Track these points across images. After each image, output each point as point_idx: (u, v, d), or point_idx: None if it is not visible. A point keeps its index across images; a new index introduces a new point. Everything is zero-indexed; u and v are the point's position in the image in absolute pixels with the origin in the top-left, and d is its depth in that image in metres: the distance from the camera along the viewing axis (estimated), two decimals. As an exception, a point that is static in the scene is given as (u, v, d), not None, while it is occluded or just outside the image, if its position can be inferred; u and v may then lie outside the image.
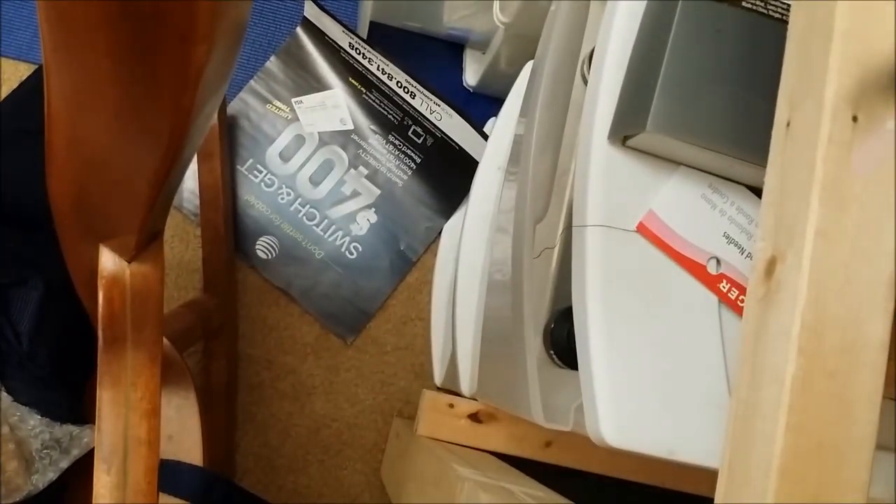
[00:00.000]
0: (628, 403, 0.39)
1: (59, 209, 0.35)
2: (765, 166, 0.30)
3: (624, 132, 0.40)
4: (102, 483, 0.36)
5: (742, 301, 0.41)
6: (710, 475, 0.31)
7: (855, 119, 0.27)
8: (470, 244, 0.72)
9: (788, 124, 0.29)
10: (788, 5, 0.39)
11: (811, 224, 0.27)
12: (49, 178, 0.33)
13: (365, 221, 0.88)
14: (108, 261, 0.35)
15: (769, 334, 0.28)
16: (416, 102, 0.88)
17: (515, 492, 0.53)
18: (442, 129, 0.89)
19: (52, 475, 0.46)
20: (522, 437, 0.71)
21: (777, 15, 0.39)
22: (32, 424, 0.46)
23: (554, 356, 0.48)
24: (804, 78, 0.29)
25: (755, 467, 0.27)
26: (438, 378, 0.81)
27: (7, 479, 0.44)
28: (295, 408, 0.86)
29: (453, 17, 0.84)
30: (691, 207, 0.41)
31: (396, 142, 0.89)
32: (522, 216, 0.53)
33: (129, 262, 0.35)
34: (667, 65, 0.38)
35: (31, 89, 0.53)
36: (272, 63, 0.89)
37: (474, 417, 0.72)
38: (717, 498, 0.29)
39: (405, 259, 0.89)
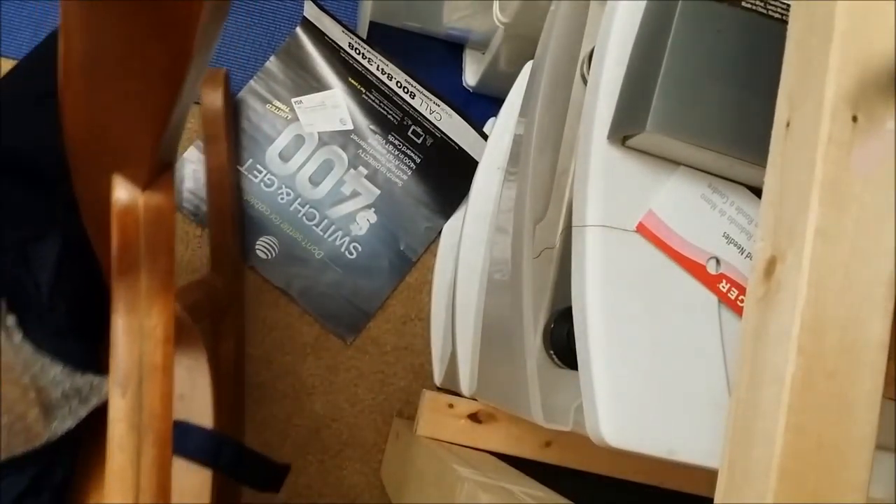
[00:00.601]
0: (628, 403, 0.39)
1: (73, 141, 0.36)
2: (765, 166, 0.30)
3: (624, 132, 0.40)
4: (118, 407, 0.36)
5: (742, 301, 0.41)
6: (710, 475, 0.31)
7: (855, 119, 0.27)
8: (470, 244, 0.72)
9: (788, 124, 0.29)
10: (788, 5, 0.39)
11: (811, 224, 0.27)
12: (63, 108, 0.34)
13: (365, 221, 0.88)
14: (122, 189, 0.35)
15: (769, 334, 0.28)
16: (415, 102, 0.88)
17: (515, 492, 0.53)
18: (442, 129, 0.89)
19: (70, 423, 0.47)
20: (522, 437, 0.71)
21: (777, 15, 0.39)
22: (53, 374, 0.47)
23: (554, 356, 0.48)
24: (804, 78, 0.29)
25: (755, 467, 0.27)
26: (438, 378, 0.81)
27: (27, 427, 0.45)
28: (295, 408, 0.86)
29: (453, 17, 0.84)
30: (691, 207, 0.41)
31: (396, 142, 0.89)
32: (522, 216, 0.53)
33: (143, 191, 0.36)
34: (666, 65, 0.38)
35: (45, 53, 0.53)
36: (272, 63, 0.89)
37: (474, 417, 0.72)
38: (717, 498, 0.29)
39: (405, 259, 0.89)
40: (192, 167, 0.86)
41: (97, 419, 0.47)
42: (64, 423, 0.47)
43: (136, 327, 0.37)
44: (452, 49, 0.92)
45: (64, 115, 0.34)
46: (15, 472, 0.45)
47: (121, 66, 0.29)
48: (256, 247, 0.86)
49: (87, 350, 0.49)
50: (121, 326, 0.37)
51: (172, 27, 0.27)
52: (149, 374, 0.37)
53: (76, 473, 0.49)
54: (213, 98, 0.84)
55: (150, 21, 0.27)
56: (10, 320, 0.44)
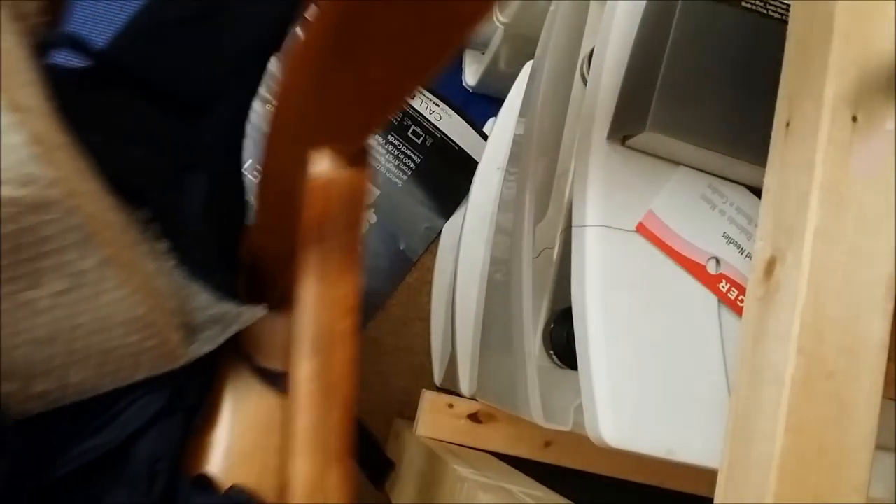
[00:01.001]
0: (628, 403, 0.39)
1: (287, 109, 0.37)
2: (764, 166, 0.30)
3: (623, 132, 0.40)
4: (305, 370, 0.37)
5: (742, 301, 0.41)
6: (710, 475, 0.31)
7: (854, 119, 0.27)
8: (470, 244, 0.72)
9: (788, 125, 0.29)
10: (788, 5, 0.39)
11: (810, 224, 0.27)
12: (289, 76, 0.35)
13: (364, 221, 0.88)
14: (327, 162, 0.36)
15: (769, 334, 0.28)
16: (415, 102, 0.88)
17: (515, 492, 0.53)
18: (441, 129, 0.89)
19: (208, 348, 0.48)
20: (522, 437, 0.71)
21: (777, 15, 0.40)
22: (200, 300, 0.48)
23: (553, 356, 0.48)
24: (804, 78, 0.29)
25: (755, 467, 0.27)
26: (438, 378, 0.81)
27: (170, 350, 0.45)
28: (294, 408, 0.86)
29: (453, 17, 0.84)
30: (691, 207, 0.41)
31: (396, 142, 0.89)
32: (522, 216, 0.53)
33: (346, 167, 0.37)
34: (666, 65, 0.38)
35: None
36: (271, 64, 0.89)
37: (474, 417, 0.72)
38: (717, 498, 0.29)
39: (405, 259, 0.89)
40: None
41: (224, 352, 0.50)
42: (202, 347, 0.48)
43: (325, 295, 0.38)
44: (452, 49, 0.92)
45: (286, 82, 0.35)
46: (154, 391, 0.46)
47: (380, 51, 0.29)
48: (256, 247, 0.87)
49: (230, 279, 0.50)
50: (312, 293, 0.38)
51: (455, 23, 0.26)
52: (336, 340, 0.38)
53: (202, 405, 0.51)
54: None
55: (435, 14, 0.26)
56: (163, 246, 0.45)
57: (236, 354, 0.54)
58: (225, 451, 0.50)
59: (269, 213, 0.47)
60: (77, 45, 0.38)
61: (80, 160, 0.36)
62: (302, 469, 0.36)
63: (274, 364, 0.54)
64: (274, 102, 0.38)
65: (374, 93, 0.31)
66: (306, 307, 0.38)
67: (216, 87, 0.50)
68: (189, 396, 0.49)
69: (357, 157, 0.37)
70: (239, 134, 0.51)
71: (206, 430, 0.50)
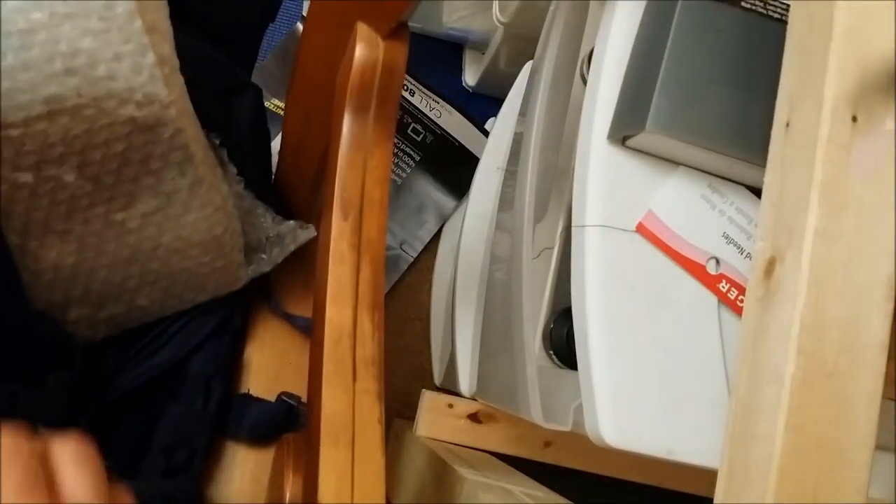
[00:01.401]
0: (628, 403, 0.39)
1: None
2: (764, 166, 0.30)
3: (623, 132, 0.40)
4: (340, 227, 0.39)
5: (741, 301, 0.41)
6: (710, 475, 0.31)
7: (854, 119, 0.27)
8: (469, 244, 0.72)
9: (788, 124, 0.29)
10: (788, 5, 0.39)
11: (810, 224, 0.27)
12: None
13: (364, 221, 0.88)
14: (366, 36, 0.38)
15: (768, 334, 0.28)
16: (415, 100, 0.88)
17: (515, 492, 0.53)
18: (441, 125, 0.89)
19: (266, 268, 0.49)
20: (522, 437, 0.71)
21: (776, 15, 0.39)
22: (265, 221, 0.49)
23: (553, 356, 0.48)
24: (803, 78, 0.29)
25: (755, 467, 0.27)
26: (438, 378, 0.81)
27: (233, 271, 0.47)
28: (294, 408, 0.86)
29: (452, 18, 0.84)
30: (691, 207, 0.41)
31: (396, 140, 0.89)
32: (522, 216, 0.53)
33: (383, 40, 0.38)
34: (666, 65, 0.38)
35: None
36: (269, 61, 0.88)
37: (474, 417, 0.72)
38: (717, 498, 0.29)
39: (405, 257, 0.89)
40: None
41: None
42: (262, 267, 0.49)
43: (360, 163, 0.39)
44: (452, 49, 0.92)
45: None
46: (206, 313, 0.48)
47: None
48: (256, 247, 0.87)
49: (283, 200, 0.52)
50: (346, 159, 0.39)
51: None
52: (368, 206, 0.39)
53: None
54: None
55: None
56: (232, 168, 0.45)
57: (261, 293, 0.56)
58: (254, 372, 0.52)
59: (305, 101, 0.48)
60: None
61: (182, 81, 0.36)
62: (335, 316, 0.37)
63: (292, 308, 0.55)
64: None
65: None
66: (341, 171, 0.39)
67: (242, 16, 0.50)
68: (235, 319, 0.51)
69: (395, 33, 0.38)
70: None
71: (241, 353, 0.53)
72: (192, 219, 0.40)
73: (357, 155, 0.39)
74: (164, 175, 0.37)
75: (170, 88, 0.34)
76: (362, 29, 0.38)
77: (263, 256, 0.49)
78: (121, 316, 0.44)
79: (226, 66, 0.49)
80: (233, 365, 0.52)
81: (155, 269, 0.42)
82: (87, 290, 0.40)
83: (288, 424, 0.53)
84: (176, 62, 0.35)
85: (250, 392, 0.53)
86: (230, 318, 0.50)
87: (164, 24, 0.34)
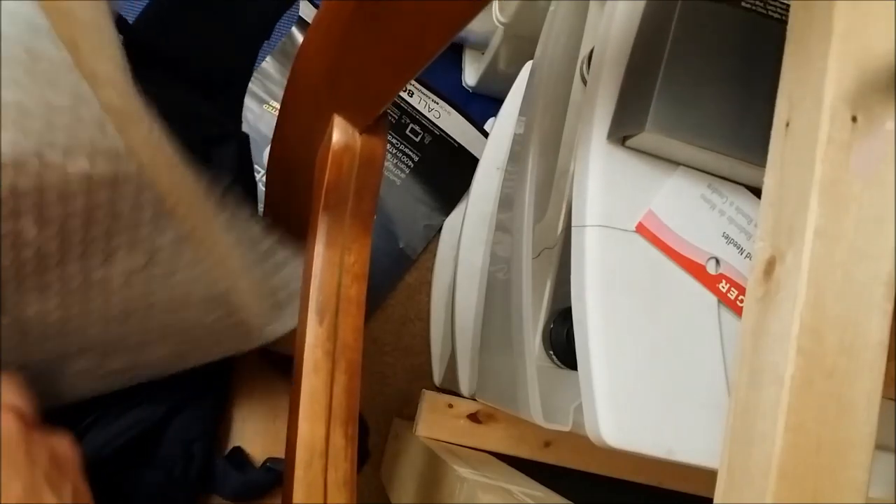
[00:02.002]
0: (627, 403, 0.39)
1: (304, 76, 0.37)
2: (764, 167, 0.30)
3: (623, 132, 0.40)
4: (315, 333, 0.38)
5: (741, 301, 0.41)
6: (710, 475, 0.31)
7: (854, 119, 0.27)
8: (469, 244, 0.72)
9: (788, 125, 0.29)
10: (787, 5, 0.39)
11: (810, 224, 0.27)
12: (308, 45, 0.35)
13: (364, 221, 0.88)
14: (342, 130, 0.37)
15: (768, 334, 0.28)
16: (413, 101, 0.88)
17: (514, 492, 0.53)
18: (441, 126, 0.89)
19: (291, 325, 0.45)
20: (521, 438, 0.71)
21: (776, 15, 0.40)
22: (284, 274, 0.45)
23: (553, 356, 0.48)
24: (803, 78, 0.29)
25: (754, 467, 0.27)
26: (438, 378, 0.81)
27: (249, 329, 0.44)
28: (294, 408, 0.86)
29: (452, 17, 0.84)
30: (690, 207, 0.41)
31: (394, 140, 0.89)
32: (522, 216, 0.53)
33: (360, 134, 0.37)
34: (666, 65, 0.38)
35: None
36: (268, 63, 0.89)
37: (473, 418, 0.72)
38: (717, 498, 0.29)
39: (404, 257, 0.89)
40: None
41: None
42: (286, 324, 0.46)
43: (336, 261, 0.38)
44: (452, 49, 0.92)
45: (306, 51, 0.35)
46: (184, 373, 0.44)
47: (398, 22, 0.29)
48: (256, 247, 0.86)
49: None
50: (322, 257, 0.38)
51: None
52: (344, 307, 0.38)
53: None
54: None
55: None
56: (245, 212, 0.42)
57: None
58: (240, 430, 0.50)
59: (283, 181, 0.47)
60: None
61: (156, 131, 0.34)
62: (307, 432, 0.37)
63: (281, 347, 0.53)
64: (294, 67, 0.38)
65: (394, 56, 0.31)
66: (316, 271, 0.38)
67: (226, 62, 0.49)
68: (220, 377, 0.48)
69: (373, 126, 0.37)
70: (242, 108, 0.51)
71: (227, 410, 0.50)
72: (182, 278, 0.37)
73: (333, 253, 0.38)
74: (139, 232, 0.35)
75: (128, 140, 0.31)
76: (339, 121, 0.37)
77: (286, 313, 0.45)
78: (129, 370, 0.42)
79: (207, 116, 0.48)
80: (216, 425, 0.49)
81: (157, 326, 0.40)
82: (83, 345, 0.39)
83: (276, 487, 0.50)
84: (138, 112, 0.33)
85: (239, 448, 0.50)
86: (215, 373, 0.47)
87: (116, 73, 0.32)
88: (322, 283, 0.38)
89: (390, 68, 0.32)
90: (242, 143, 0.50)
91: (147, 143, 0.33)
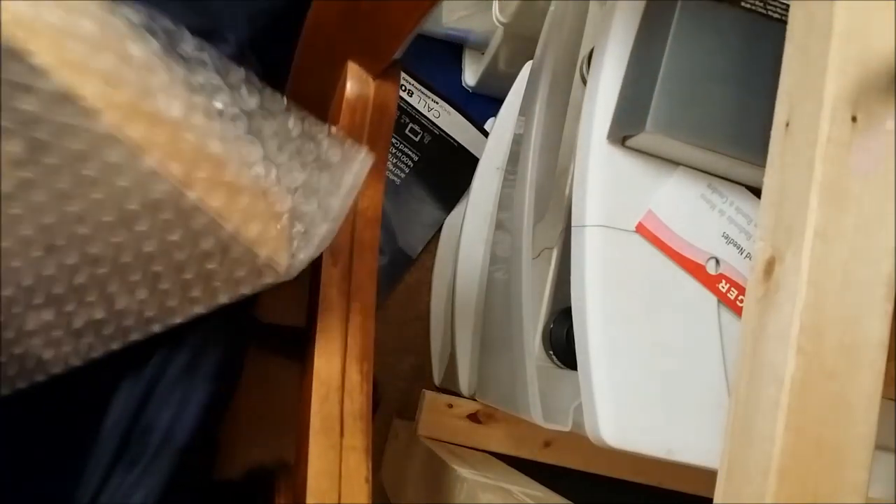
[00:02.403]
0: (627, 404, 0.39)
1: (320, 22, 0.37)
2: (764, 166, 0.30)
3: (623, 132, 0.40)
4: (330, 274, 0.38)
5: (741, 301, 0.41)
6: (710, 475, 0.31)
7: (854, 119, 0.27)
8: (469, 244, 0.72)
9: (787, 124, 0.29)
10: (787, 5, 0.39)
11: (810, 224, 0.27)
12: None
13: (364, 221, 0.88)
14: (356, 77, 0.37)
15: (768, 334, 0.28)
16: (413, 100, 0.88)
17: (514, 492, 0.53)
18: (440, 126, 0.89)
19: (315, 249, 0.35)
20: (521, 438, 0.71)
21: (776, 15, 0.39)
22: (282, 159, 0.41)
23: (553, 356, 0.48)
24: (803, 78, 0.29)
25: (754, 467, 0.27)
26: (438, 378, 0.81)
27: (269, 240, 0.34)
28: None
29: (452, 18, 0.84)
30: (690, 207, 0.41)
31: (393, 140, 0.89)
32: (521, 216, 0.53)
33: (374, 80, 0.37)
34: (666, 65, 0.38)
35: None
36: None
37: (473, 418, 0.72)
38: (716, 498, 0.29)
39: (404, 257, 0.89)
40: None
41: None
42: (309, 248, 0.35)
43: (350, 205, 0.38)
44: (452, 49, 0.92)
45: None
46: (171, 345, 0.36)
47: None
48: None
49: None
50: None
51: None
52: (358, 250, 0.39)
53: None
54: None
55: None
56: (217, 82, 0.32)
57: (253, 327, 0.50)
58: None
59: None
60: None
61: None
62: (323, 368, 0.37)
63: (285, 318, 0.52)
64: (308, 18, 0.38)
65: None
66: None
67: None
68: (210, 354, 0.38)
69: (386, 72, 0.37)
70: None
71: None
72: (130, 179, 0.28)
73: None
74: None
75: None
76: (353, 68, 0.37)
77: (303, 227, 0.33)
78: (103, 326, 0.32)
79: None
80: (208, 421, 0.39)
81: (111, 254, 0.30)
82: (38, 279, 0.30)
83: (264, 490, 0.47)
84: None
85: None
86: (205, 351, 0.36)
87: None
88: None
89: (403, 5, 0.32)
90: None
91: None
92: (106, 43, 0.28)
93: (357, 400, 0.37)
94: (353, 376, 0.37)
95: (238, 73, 0.32)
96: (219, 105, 0.30)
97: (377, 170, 0.39)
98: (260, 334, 0.50)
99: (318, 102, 0.40)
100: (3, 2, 0.26)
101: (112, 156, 0.28)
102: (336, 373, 0.37)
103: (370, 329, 0.39)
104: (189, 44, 0.31)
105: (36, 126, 0.27)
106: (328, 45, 0.38)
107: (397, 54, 0.37)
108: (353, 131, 0.38)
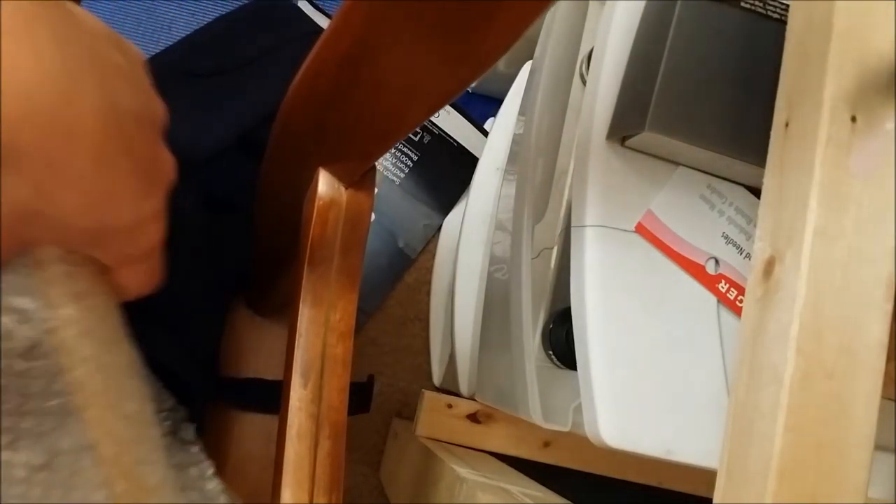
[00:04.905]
0: (627, 404, 0.39)
1: (290, 128, 0.36)
2: (763, 167, 0.30)
3: (623, 132, 0.40)
4: (299, 396, 0.37)
5: (741, 301, 0.41)
6: (709, 475, 0.31)
7: (853, 120, 0.27)
8: (468, 244, 0.72)
9: (787, 125, 0.29)
10: (787, 5, 0.39)
11: (810, 224, 0.27)
12: (294, 97, 0.34)
13: (363, 221, 0.88)
14: (327, 185, 0.36)
15: (768, 334, 0.28)
16: (414, 102, 0.88)
17: (514, 492, 0.53)
18: (440, 125, 0.89)
19: None
20: (521, 438, 0.71)
21: (776, 15, 0.39)
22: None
23: (553, 356, 0.48)
24: (803, 78, 0.29)
25: (754, 468, 0.27)
26: (437, 378, 0.81)
27: None
28: (293, 408, 0.86)
29: (452, 17, 0.84)
30: (690, 208, 0.41)
31: (395, 141, 0.88)
32: (521, 216, 0.53)
33: (346, 189, 0.36)
34: (665, 65, 0.38)
35: (213, 33, 0.50)
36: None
37: (473, 418, 0.72)
38: (716, 498, 0.29)
39: (404, 257, 0.89)
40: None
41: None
42: None
43: (321, 319, 0.37)
44: (451, 49, 0.92)
45: (292, 103, 0.34)
46: None
47: (393, 80, 0.28)
48: (255, 247, 0.86)
49: None
50: (307, 317, 0.37)
51: (474, 59, 0.25)
52: (329, 367, 0.37)
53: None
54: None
55: (454, 50, 0.25)
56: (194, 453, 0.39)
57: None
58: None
59: (268, 231, 0.46)
60: None
61: (113, 323, 0.29)
62: (289, 501, 0.36)
63: (272, 373, 0.52)
64: (279, 117, 0.37)
65: (381, 119, 0.31)
66: (301, 330, 0.37)
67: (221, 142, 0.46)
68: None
69: (360, 181, 0.36)
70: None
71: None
72: (78, 496, 0.30)
73: (318, 311, 0.37)
74: (43, 423, 0.29)
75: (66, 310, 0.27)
76: (324, 175, 0.36)
77: None
78: None
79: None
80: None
81: None
82: None
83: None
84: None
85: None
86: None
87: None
88: (307, 344, 0.37)
89: (375, 132, 0.32)
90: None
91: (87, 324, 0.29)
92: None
93: (324, 537, 0.36)
94: (320, 513, 0.36)
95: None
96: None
97: (351, 280, 0.38)
98: (228, 391, 0.51)
99: (290, 198, 0.39)
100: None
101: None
102: None
103: (340, 454, 0.38)
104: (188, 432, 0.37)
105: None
106: (300, 150, 0.38)
107: (370, 166, 0.36)
108: (325, 242, 0.37)
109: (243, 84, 0.49)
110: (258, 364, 0.55)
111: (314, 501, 0.36)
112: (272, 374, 0.54)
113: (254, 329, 0.55)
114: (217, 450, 0.50)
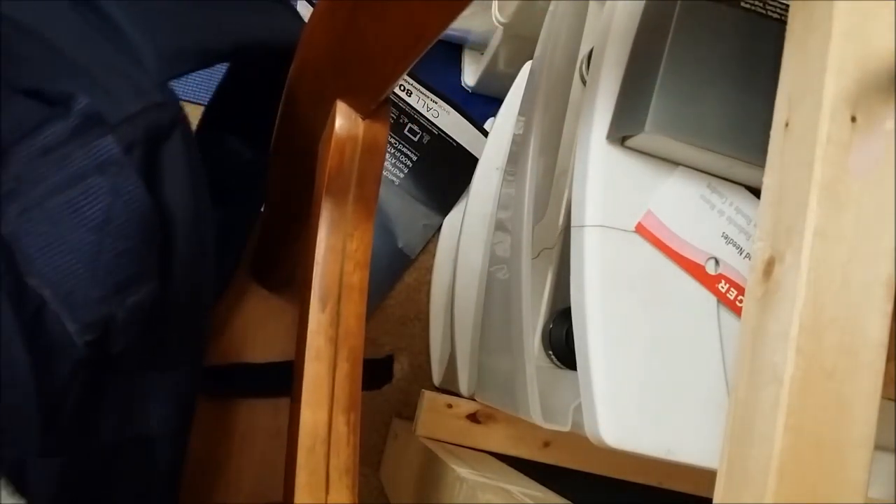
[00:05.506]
0: (627, 404, 0.39)
1: (309, 60, 0.37)
2: (763, 167, 0.30)
3: (622, 132, 0.40)
4: (317, 320, 0.37)
5: (741, 301, 0.41)
6: (709, 475, 0.31)
7: (853, 119, 0.27)
8: (468, 244, 0.72)
9: (787, 125, 0.29)
10: (787, 5, 0.39)
11: (810, 224, 0.27)
12: (313, 26, 0.35)
13: (363, 221, 0.88)
14: (345, 116, 0.37)
15: (768, 334, 0.28)
16: (412, 100, 0.88)
17: (514, 492, 0.53)
18: (439, 126, 0.89)
19: None
20: (521, 438, 0.71)
21: (776, 15, 0.39)
22: None
23: (553, 356, 0.48)
24: (803, 78, 0.29)
25: (754, 467, 0.27)
26: (437, 378, 0.81)
27: None
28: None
29: (452, 17, 0.84)
30: (690, 208, 0.41)
31: (392, 140, 0.88)
32: (521, 216, 0.53)
33: (363, 119, 0.37)
34: (665, 65, 0.38)
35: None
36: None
37: (473, 418, 0.72)
38: (716, 498, 0.29)
39: (404, 257, 0.89)
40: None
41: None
42: None
43: (339, 247, 0.38)
44: (451, 49, 0.92)
45: (310, 37, 0.35)
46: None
47: (400, 7, 0.29)
48: (255, 247, 0.86)
49: None
50: (325, 245, 0.38)
51: None
52: (347, 293, 0.38)
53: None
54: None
55: None
56: None
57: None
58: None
59: (281, 189, 0.46)
60: None
61: None
62: (309, 419, 0.37)
63: (278, 348, 0.52)
64: (298, 54, 0.37)
65: (397, 40, 0.31)
66: (319, 258, 0.38)
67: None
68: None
69: (375, 112, 0.37)
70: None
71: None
72: None
73: (336, 239, 0.38)
74: None
75: None
76: (341, 107, 0.36)
77: None
78: None
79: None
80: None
81: None
82: None
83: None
84: None
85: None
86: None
87: None
88: (324, 271, 0.38)
89: (393, 53, 0.32)
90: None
91: None
92: None
93: (343, 453, 0.37)
94: (340, 428, 0.37)
95: None
96: None
97: (367, 210, 0.39)
98: (226, 379, 0.51)
99: (306, 143, 0.40)
100: None
101: None
102: (322, 424, 0.37)
103: (358, 377, 0.38)
104: None
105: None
106: (318, 84, 0.38)
107: (386, 95, 0.36)
108: (342, 172, 0.37)
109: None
110: (265, 338, 0.55)
111: (333, 420, 0.37)
112: (278, 348, 0.54)
113: (260, 302, 0.55)
114: (222, 420, 0.50)
